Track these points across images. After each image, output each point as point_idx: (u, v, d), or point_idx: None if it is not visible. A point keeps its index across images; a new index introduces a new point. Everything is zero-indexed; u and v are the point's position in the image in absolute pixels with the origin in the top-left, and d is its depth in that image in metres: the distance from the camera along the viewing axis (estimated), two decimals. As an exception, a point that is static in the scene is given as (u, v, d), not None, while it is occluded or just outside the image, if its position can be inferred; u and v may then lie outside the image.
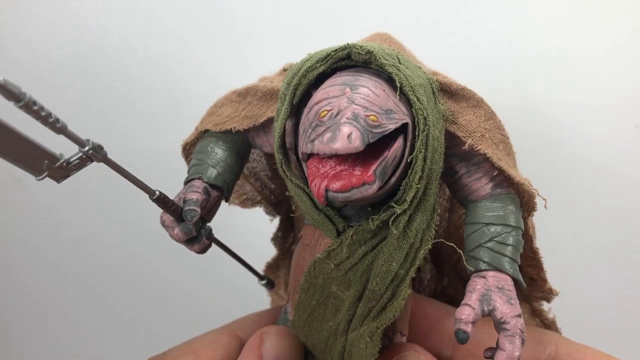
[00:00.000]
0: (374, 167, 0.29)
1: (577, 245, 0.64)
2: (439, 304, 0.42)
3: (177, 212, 0.35)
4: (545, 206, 0.35)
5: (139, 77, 0.67)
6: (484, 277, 0.33)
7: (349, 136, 0.27)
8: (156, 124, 0.66)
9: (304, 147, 0.30)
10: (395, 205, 0.31)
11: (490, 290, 0.32)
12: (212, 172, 0.38)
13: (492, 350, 0.32)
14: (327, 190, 0.29)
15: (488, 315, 0.32)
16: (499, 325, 0.32)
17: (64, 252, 0.73)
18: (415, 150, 0.31)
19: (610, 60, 0.60)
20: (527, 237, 0.37)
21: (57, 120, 0.25)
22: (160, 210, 0.36)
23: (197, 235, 0.37)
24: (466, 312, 0.31)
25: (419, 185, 0.31)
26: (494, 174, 0.35)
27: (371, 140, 0.29)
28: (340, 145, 0.27)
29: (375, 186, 0.29)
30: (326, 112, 0.29)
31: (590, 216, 0.64)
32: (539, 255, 0.39)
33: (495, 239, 0.34)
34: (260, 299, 0.56)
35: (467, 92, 0.34)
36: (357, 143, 0.27)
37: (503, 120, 0.36)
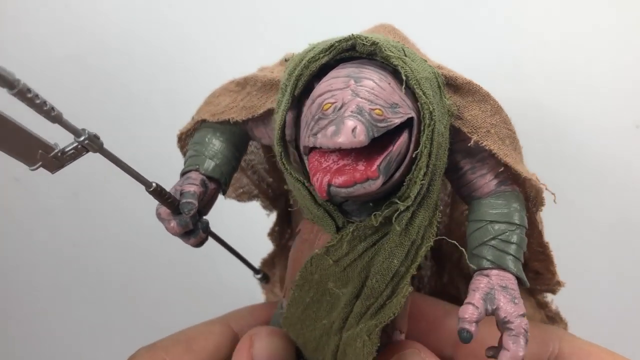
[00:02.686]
0: (377, 162, 0.28)
1: (577, 245, 0.64)
2: (438, 303, 0.41)
3: (173, 205, 0.34)
4: (554, 200, 0.35)
5: (139, 76, 0.67)
6: (487, 275, 0.33)
7: (353, 130, 0.27)
8: (156, 124, 0.66)
9: (306, 140, 0.29)
10: (398, 202, 0.30)
11: (494, 289, 0.32)
12: (209, 164, 0.37)
13: (494, 349, 0.32)
14: (329, 185, 0.28)
15: (491, 314, 0.31)
16: (503, 325, 0.31)
17: (63, 252, 0.73)
18: (421, 146, 0.30)
19: (611, 60, 0.60)
20: (537, 232, 0.37)
21: (52, 108, 0.25)
22: (156, 204, 0.35)
23: (194, 229, 0.36)
24: (469, 311, 0.31)
25: (424, 182, 0.30)
26: (499, 170, 0.34)
27: (376, 135, 0.28)
28: (344, 139, 0.27)
29: (379, 182, 0.28)
30: (329, 104, 0.28)
31: (590, 216, 0.63)
32: (549, 249, 0.38)
33: (499, 237, 0.33)
34: (255, 296, 0.56)
35: (473, 86, 0.34)
36: (361, 137, 0.27)
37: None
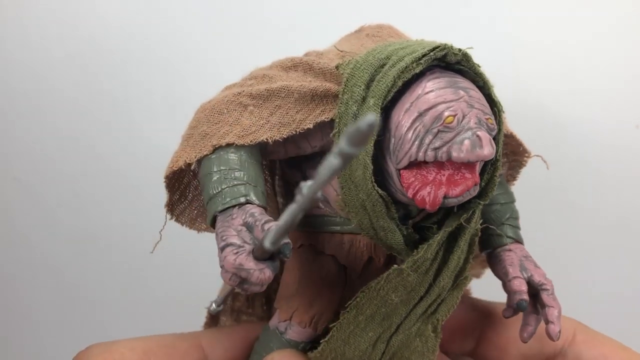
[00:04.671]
0: (477, 167, 0.29)
1: (577, 246, 0.64)
2: (463, 299, 0.41)
3: (267, 252, 0.27)
4: (547, 167, 0.39)
5: (138, 76, 0.67)
6: (510, 249, 0.37)
7: (491, 141, 0.27)
8: (156, 124, 0.66)
9: (422, 155, 0.28)
10: (480, 202, 0.32)
11: (522, 260, 0.37)
12: (257, 192, 0.31)
13: (510, 310, 0.36)
14: (445, 197, 0.29)
15: (527, 282, 0.36)
16: (539, 287, 0.36)
17: (63, 252, 0.73)
18: (500, 147, 0.31)
19: (611, 60, 0.60)
20: None
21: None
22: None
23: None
24: (518, 284, 0.35)
25: (500, 179, 0.33)
26: None
27: None
28: (488, 151, 0.27)
29: (478, 186, 0.30)
30: (452, 117, 0.28)
31: (590, 216, 0.63)
32: None
33: (512, 216, 0.39)
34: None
35: None
36: (494, 147, 0.28)
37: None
